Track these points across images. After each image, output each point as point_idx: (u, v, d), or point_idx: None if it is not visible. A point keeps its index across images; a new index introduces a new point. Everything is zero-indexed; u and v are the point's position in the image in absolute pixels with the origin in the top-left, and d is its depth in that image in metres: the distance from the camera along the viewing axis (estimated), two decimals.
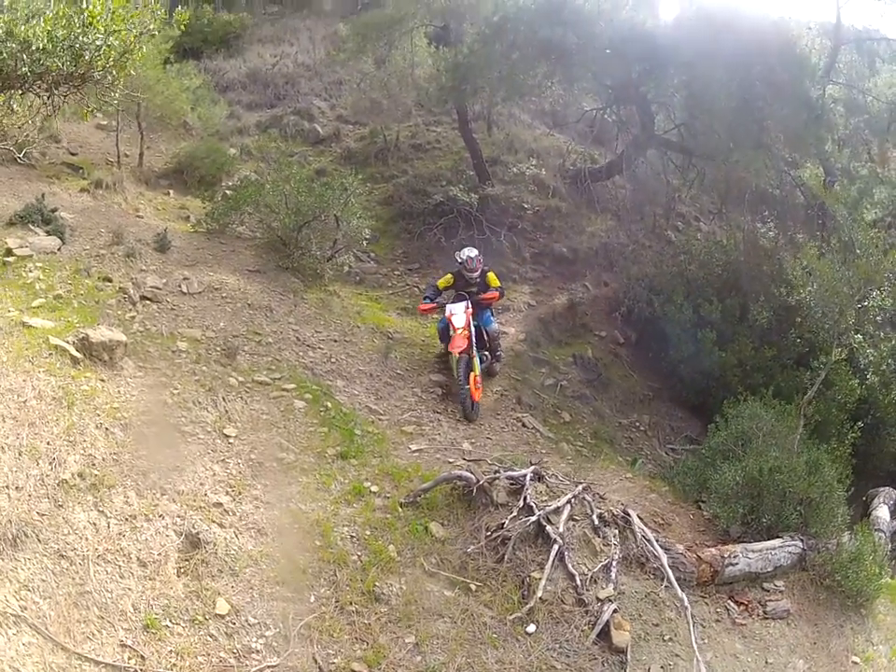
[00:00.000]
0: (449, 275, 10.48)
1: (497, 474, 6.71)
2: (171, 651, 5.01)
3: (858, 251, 9.90)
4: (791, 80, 12.68)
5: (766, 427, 8.52)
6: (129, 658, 4.87)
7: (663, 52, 12.77)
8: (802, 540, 7.39)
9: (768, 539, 7.35)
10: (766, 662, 6.47)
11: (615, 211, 15.50)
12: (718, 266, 13.03)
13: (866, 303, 9.97)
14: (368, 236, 11.52)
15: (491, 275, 10.45)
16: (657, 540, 6.52)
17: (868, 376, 11.40)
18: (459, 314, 9.79)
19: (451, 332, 9.63)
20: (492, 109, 16.51)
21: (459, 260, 10.38)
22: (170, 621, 5.17)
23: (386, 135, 16.30)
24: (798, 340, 11.66)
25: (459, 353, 9.35)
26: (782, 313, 11.89)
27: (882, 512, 9.48)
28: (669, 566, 6.32)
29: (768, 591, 7.10)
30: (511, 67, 13.11)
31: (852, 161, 14.86)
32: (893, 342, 11.93)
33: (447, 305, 10.04)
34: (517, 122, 17.48)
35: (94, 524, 5.47)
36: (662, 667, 5.93)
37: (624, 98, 14.31)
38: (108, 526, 5.50)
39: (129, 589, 5.22)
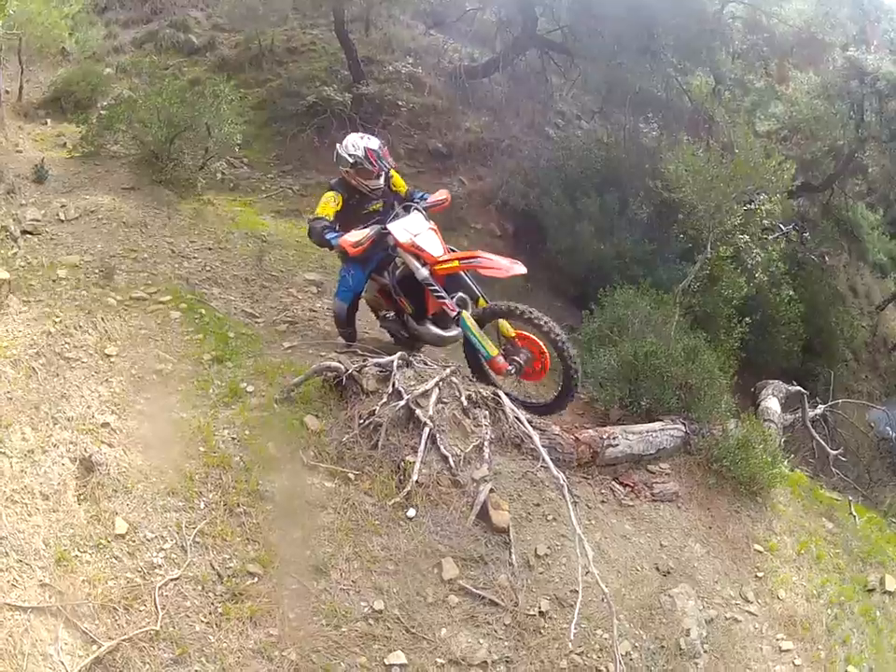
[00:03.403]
0: (331, 194, 6.97)
1: (366, 362, 6.64)
2: (83, 581, 5.01)
3: (736, 151, 10.13)
4: None
5: (642, 314, 8.69)
6: (50, 596, 4.88)
7: None
8: (684, 424, 7.53)
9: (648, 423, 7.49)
10: (661, 545, 6.65)
11: (492, 107, 15.35)
12: (597, 162, 13.19)
13: (752, 206, 10.24)
14: (239, 142, 11.22)
15: (396, 177, 7.30)
16: (530, 422, 6.60)
17: (756, 275, 11.68)
18: (424, 232, 6.77)
19: (423, 266, 6.79)
20: (370, 10, 16.09)
21: (354, 156, 6.85)
22: (78, 550, 5.17)
23: (261, 41, 15.80)
24: (681, 236, 11.82)
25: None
26: (664, 209, 12.15)
27: (771, 403, 9.83)
28: (545, 447, 6.39)
29: (654, 473, 7.21)
30: None
31: (746, 74, 15.00)
32: (783, 244, 12.34)
33: (390, 225, 6.74)
34: (396, 22, 17.11)
35: None
36: (548, 547, 6.08)
37: None
38: (11, 466, 5.46)
39: (38, 526, 5.20)
